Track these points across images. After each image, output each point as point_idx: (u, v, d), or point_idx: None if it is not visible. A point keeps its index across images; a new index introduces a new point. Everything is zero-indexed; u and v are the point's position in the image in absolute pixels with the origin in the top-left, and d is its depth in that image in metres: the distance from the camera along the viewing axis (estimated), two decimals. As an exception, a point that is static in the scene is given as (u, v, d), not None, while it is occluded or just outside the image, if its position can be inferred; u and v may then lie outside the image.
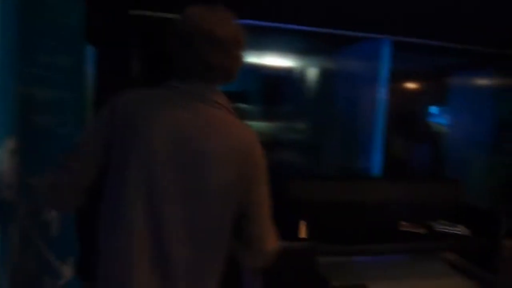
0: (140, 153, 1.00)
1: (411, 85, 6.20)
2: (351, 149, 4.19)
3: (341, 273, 3.04)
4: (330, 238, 3.00)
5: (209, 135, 1.02)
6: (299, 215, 3.02)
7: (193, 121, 1.02)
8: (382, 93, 3.71)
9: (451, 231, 3.32)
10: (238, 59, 1.11)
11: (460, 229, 3.36)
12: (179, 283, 1.02)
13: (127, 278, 0.99)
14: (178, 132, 1.01)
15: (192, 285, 1.04)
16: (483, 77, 5.24)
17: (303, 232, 2.84)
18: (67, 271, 1.87)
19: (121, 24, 2.86)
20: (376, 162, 3.75)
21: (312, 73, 5.65)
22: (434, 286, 3.26)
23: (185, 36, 1.05)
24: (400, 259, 3.59)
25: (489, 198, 5.14)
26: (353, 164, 4.15)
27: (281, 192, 3.40)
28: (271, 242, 1.13)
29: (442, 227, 3.38)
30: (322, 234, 2.85)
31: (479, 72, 5.23)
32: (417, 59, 5.02)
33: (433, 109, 6.02)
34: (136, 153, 1.00)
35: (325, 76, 5.22)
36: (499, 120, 5.24)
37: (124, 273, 0.99)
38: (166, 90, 1.08)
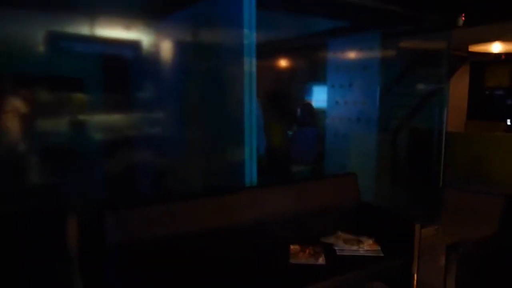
0: None
1: (282, 60, 5.24)
2: (219, 145, 2.97)
3: None
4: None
5: None
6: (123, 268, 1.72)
7: None
8: (250, 70, 2.53)
9: (356, 253, 2.35)
10: None
11: (367, 245, 2.42)
12: None
13: None
14: None
15: None
16: (366, 46, 4.51)
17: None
18: None
19: None
20: (248, 163, 2.59)
21: (166, 46, 4.27)
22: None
23: None
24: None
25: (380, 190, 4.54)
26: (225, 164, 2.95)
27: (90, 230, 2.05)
28: None
29: (346, 247, 2.40)
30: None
31: (362, 39, 4.49)
32: (286, 24, 4.03)
33: (311, 87, 5.17)
34: None
35: (174, 49, 3.88)
36: (380, 95, 4.63)
37: None
38: None
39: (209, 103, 3.00)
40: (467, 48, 6.24)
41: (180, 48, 3.62)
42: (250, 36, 2.48)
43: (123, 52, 4.29)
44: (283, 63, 5.17)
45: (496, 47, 5.84)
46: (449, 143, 4.61)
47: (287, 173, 4.35)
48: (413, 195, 4.63)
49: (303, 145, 4.41)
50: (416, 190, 4.74)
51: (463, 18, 3.68)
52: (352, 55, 4.76)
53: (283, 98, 4.68)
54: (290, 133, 4.23)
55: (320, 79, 5.03)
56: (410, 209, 4.29)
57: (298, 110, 4.27)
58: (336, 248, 2.41)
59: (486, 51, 6.08)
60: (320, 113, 5.03)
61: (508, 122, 7.00)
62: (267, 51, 4.73)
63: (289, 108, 4.47)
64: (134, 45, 4.23)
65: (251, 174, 2.60)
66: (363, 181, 4.67)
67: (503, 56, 6.13)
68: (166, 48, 4.22)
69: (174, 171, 3.33)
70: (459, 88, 7.35)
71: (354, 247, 2.39)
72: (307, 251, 2.35)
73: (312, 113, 4.64)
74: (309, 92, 5.12)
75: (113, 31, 4.00)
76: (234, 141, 2.67)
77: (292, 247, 2.41)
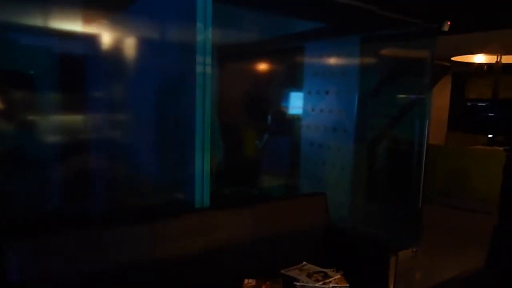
0: None
1: (256, 63, 4.88)
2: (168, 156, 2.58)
3: None
4: None
5: None
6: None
7: None
8: (204, 71, 2.15)
9: (321, 291, 1.99)
10: None
11: (334, 281, 2.06)
12: None
13: None
14: None
15: None
16: (345, 50, 4.20)
17: None
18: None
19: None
20: (200, 179, 2.20)
21: (124, 42, 3.84)
22: None
23: None
24: None
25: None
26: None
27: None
28: None
29: (310, 283, 2.03)
30: None
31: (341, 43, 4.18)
32: (259, 23, 3.68)
33: (287, 93, 4.83)
34: None
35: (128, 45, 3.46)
36: (358, 104, 4.32)
37: None
38: None
39: (158, 106, 2.61)
40: (450, 57, 6.04)
41: (135, 44, 3.22)
42: (204, 32, 2.11)
43: (77, 46, 3.85)
44: (257, 66, 4.82)
45: (479, 58, 5.64)
46: (429, 156, 4.34)
47: (255, 184, 4.00)
48: (391, 212, 4.32)
49: (275, 154, 4.06)
50: (394, 206, 4.44)
51: (449, 23, 3.40)
52: (330, 60, 4.45)
53: (256, 103, 4.33)
54: (257, 142, 3.88)
55: (297, 84, 4.70)
56: (387, 228, 3.99)
57: (269, 117, 3.92)
58: (297, 284, 2.04)
59: (468, 61, 5.88)
60: (296, 120, 4.69)
61: (490, 135, 6.81)
62: (239, 53, 4.39)
63: (262, 115, 4.12)
64: (90, 39, 3.81)
65: (202, 192, 2.21)
66: (337, 196, 4.37)
67: (485, 67, 5.92)
68: (124, 44, 3.81)
69: (115, 183, 2.89)
70: (440, 99, 7.13)
71: (319, 284, 2.03)
72: (263, 287, 1.98)
73: (284, 121, 4.29)
74: (285, 98, 4.78)
75: (67, 22, 3.57)
76: (182, 151, 2.28)
77: (246, 281, 2.03)
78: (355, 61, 4.21)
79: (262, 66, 4.71)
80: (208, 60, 2.12)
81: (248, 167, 3.94)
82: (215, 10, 2.18)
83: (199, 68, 2.11)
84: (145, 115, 2.68)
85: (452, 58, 6.02)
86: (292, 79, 4.63)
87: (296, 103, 4.67)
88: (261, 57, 4.60)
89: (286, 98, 4.75)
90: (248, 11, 3.43)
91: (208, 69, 2.13)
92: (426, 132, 3.99)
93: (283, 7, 3.34)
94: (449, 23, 3.42)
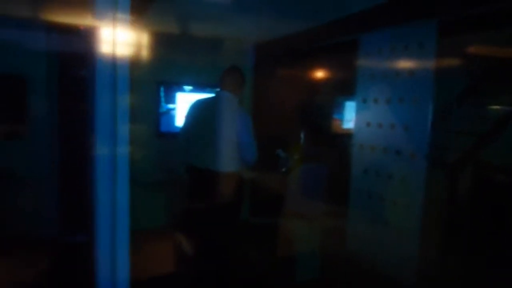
0: None
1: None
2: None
3: None
4: None
5: None
6: None
7: None
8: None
9: None
10: None
11: None
12: None
13: None
14: None
15: None
16: (414, 42, 3.01)
17: None
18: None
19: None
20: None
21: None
22: None
23: None
24: None
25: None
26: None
27: None
28: None
29: None
30: None
31: (409, 32, 2.99)
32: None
33: (332, 101, 3.68)
34: None
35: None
36: (434, 116, 3.07)
37: None
38: None
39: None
40: None
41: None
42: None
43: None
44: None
45: None
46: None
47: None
48: (482, 270, 3.00)
49: (309, 184, 2.97)
50: (488, 261, 3.11)
51: None
52: (393, 56, 3.26)
53: (288, 115, 3.29)
54: (283, 169, 2.83)
55: (347, 90, 3.57)
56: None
57: (302, 134, 2.85)
58: None
59: None
60: (345, 138, 3.56)
61: None
62: (272, 51, 3.39)
63: (295, 130, 3.05)
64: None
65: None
66: (401, 246, 3.15)
67: None
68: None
69: None
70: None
71: None
72: None
73: (324, 139, 3.16)
74: (329, 108, 3.67)
75: None
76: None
77: None
78: (429, 57, 2.97)
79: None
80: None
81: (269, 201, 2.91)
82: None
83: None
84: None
85: None
86: (341, 82, 3.50)
87: (345, 114, 3.54)
88: (298, 55, 3.54)
89: (330, 108, 3.63)
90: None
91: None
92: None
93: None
94: None
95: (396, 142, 3.15)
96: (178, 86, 4.15)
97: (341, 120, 4.11)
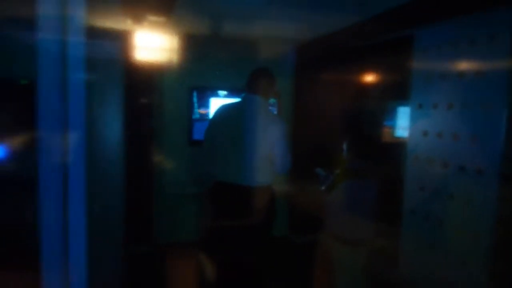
0: None
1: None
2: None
3: None
4: None
5: None
6: None
7: None
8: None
9: None
10: None
11: None
12: None
13: None
14: None
15: None
16: (483, 34, 2.50)
17: None
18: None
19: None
20: None
21: None
22: None
23: None
24: None
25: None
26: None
27: None
28: None
29: None
30: None
31: (476, 24, 2.49)
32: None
33: (381, 107, 3.21)
34: None
35: None
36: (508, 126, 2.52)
37: None
38: None
39: None
40: None
41: None
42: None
43: None
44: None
45: None
46: None
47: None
48: None
49: (356, 200, 2.53)
50: None
51: None
52: (455, 54, 2.74)
53: (331, 123, 2.86)
54: (323, 188, 2.42)
55: (400, 94, 3.09)
56: None
57: (344, 145, 2.43)
58: None
59: None
60: (398, 149, 3.09)
61: None
62: (314, 50, 3.01)
63: (339, 142, 2.63)
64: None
65: None
66: (466, 276, 2.63)
67: None
68: None
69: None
70: None
71: None
72: None
73: (372, 150, 2.69)
74: (379, 114, 3.20)
75: None
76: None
77: None
78: (503, 53, 2.44)
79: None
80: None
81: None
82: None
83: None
84: None
85: None
86: (392, 85, 3.03)
87: (398, 121, 3.07)
88: (343, 56, 3.12)
89: (380, 114, 3.16)
90: None
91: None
92: None
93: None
94: None
95: (460, 155, 2.64)
96: (212, 91, 3.88)
97: (393, 128, 3.63)
